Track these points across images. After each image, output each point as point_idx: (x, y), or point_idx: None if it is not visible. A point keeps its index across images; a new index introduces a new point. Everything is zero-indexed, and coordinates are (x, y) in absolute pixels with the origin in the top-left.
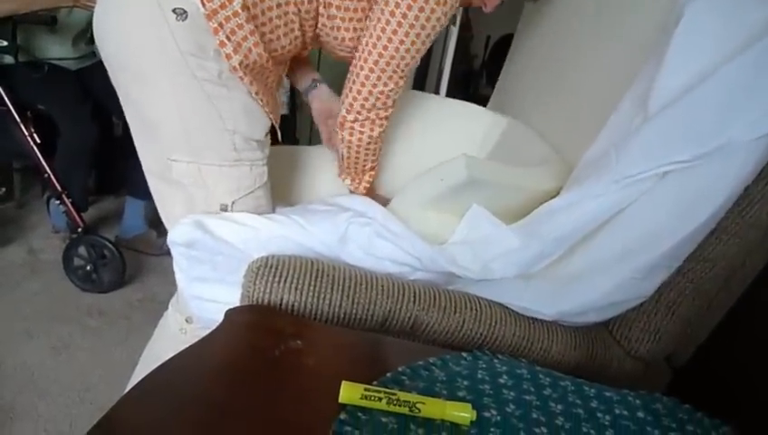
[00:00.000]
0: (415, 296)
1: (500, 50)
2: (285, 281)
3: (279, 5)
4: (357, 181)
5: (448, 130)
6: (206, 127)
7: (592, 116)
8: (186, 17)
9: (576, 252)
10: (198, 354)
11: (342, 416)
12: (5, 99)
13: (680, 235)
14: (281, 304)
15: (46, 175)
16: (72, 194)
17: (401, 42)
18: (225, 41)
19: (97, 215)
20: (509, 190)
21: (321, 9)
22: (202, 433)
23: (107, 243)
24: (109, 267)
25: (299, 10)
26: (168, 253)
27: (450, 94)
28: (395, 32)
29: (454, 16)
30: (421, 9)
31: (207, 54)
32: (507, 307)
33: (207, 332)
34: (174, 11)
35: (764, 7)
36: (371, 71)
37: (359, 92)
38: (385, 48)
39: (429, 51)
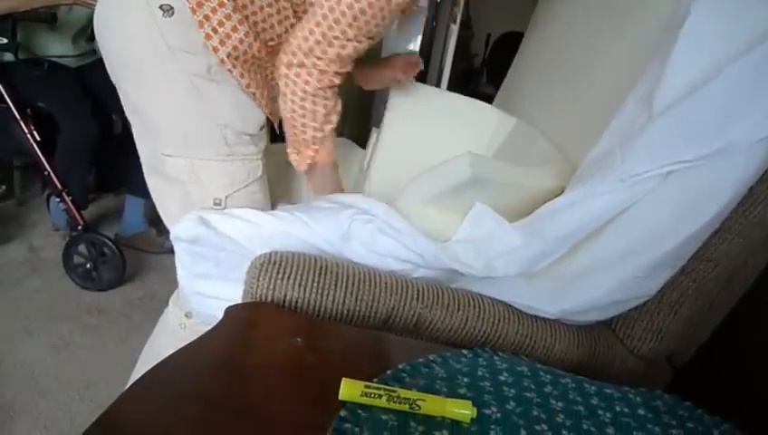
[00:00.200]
0: (418, 294)
1: (500, 48)
2: (289, 278)
3: None
4: (296, 154)
5: (456, 127)
6: (197, 122)
7: (596, 116)
8: (172, 13)
9: (579, 251)
10: (198, 351)
11: (342, 413)
12: (5, 96)
13: (683, 234)
14: (284, 301)
15: (46, 172)
16: (71, 192)
17: None
18: (211, 33)
19: (97, 213)
20: (512, 189)
21: None
22: (202, 430)
23: (107, 241)
24: (109, 265)
25: None
26: (169, 251)
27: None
28: None
29: (455, 15)
30: None
31: (196, 49)
32: (510, 305)
33: (207, 327)
34: (161, 7)
35: None
36: (323, 17)
37: (302, 33)
38: None
39: (429, 49)
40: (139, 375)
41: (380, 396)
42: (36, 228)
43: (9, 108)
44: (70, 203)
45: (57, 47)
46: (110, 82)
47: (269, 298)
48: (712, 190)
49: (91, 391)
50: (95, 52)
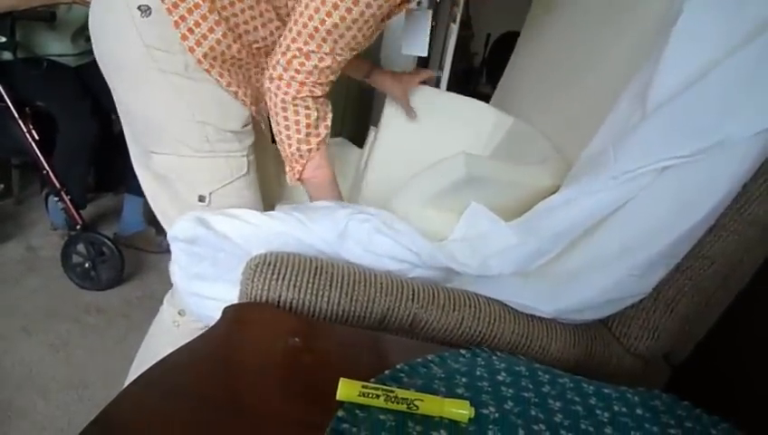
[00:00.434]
0: (414, 294)
1: (500, 48)
2: (284, 278)
3: None
4: (289, 168)
5: (454, 127)
6: (176, 119)
7: (592, 114)
8: (150, 13)
9: (574, 249)
10: (195, 351)
11: (340, 413)
12: (4, 95)
13: (679, 231)
14: (279, 302)
15: (45, 172)
16: (70, 191)
17: (335, 5)
18: (187, 33)
19: (96, 212)
20: (508, 187)
21: None
22: (199, 430)
23: (106, 240)
24: (107, 265)
25: None
26: (168, 250)
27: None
28: None
29: (454, 14)
30: None
31: (173, 48)
32: (506, 305)
33: (200, 324)
34: (139, 8)
35: (763, 4)
36: (298, 34)
37: (281, 48)
38: (316, 10)
39: (429, 49)
40: (136, 374)
41: (378, 396)
42: (35, 228)
43: (8, 107)
44: (68, 202)
45: (56, 46)
46: None
47: (264, 299)
48: (707, 186)
49: (90, 390)
50: None
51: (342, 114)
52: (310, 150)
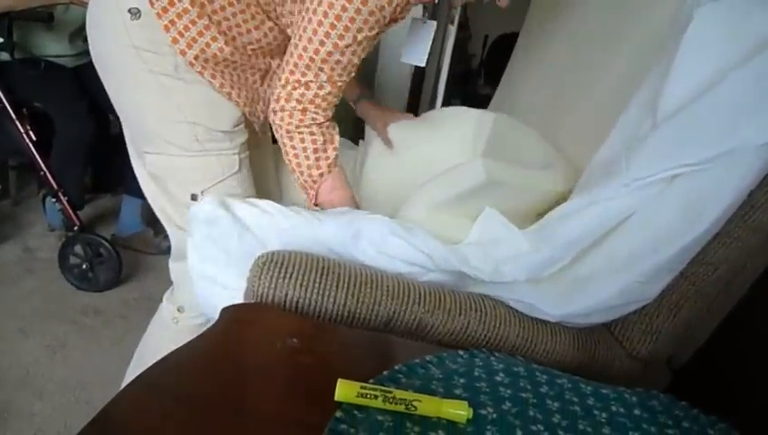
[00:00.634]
0: (420, 298)
1: (498, 49)
2: (291, 277)
3: (239, 0)
4: (306, 195)
5: (448, 127)
6: (166, 119)
7: (598, 118)
8: (139, 16)
9: (585, 256)
10: (194, 351)
11: (338, 414)
12: (1, 96)
13: (687, 238)
14: (285, 301)
15: (42, 172)
16: (68, 192)
17: (326, 34)
18: (178, 37)
19: (93, 213)
20: (521, 192)
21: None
22: (197, 430)
23: (103, 241)
24: (105, 266)
25: (258, 2)
26: (165, 252)
27: (448, 94)
28: (320, 23)
29: (452, 16)
30: (344, 9)
31: (162, 50)
32: (512, 308)
33: (199, 321)
34: (129, 10)
35: None
36: (295, 66)
37: (280, 82)
38: (309, 41)
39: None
40: (134, 372)
41: (376, 397)
42: (32, 229)
43: (5, 107)
44: (66, 203)
45: (54, 47)
46: None
47: (270, 297)
48: (715, 194)
49: (87, 392)
50: None
51: (342, 115)
52: (321, 175)
